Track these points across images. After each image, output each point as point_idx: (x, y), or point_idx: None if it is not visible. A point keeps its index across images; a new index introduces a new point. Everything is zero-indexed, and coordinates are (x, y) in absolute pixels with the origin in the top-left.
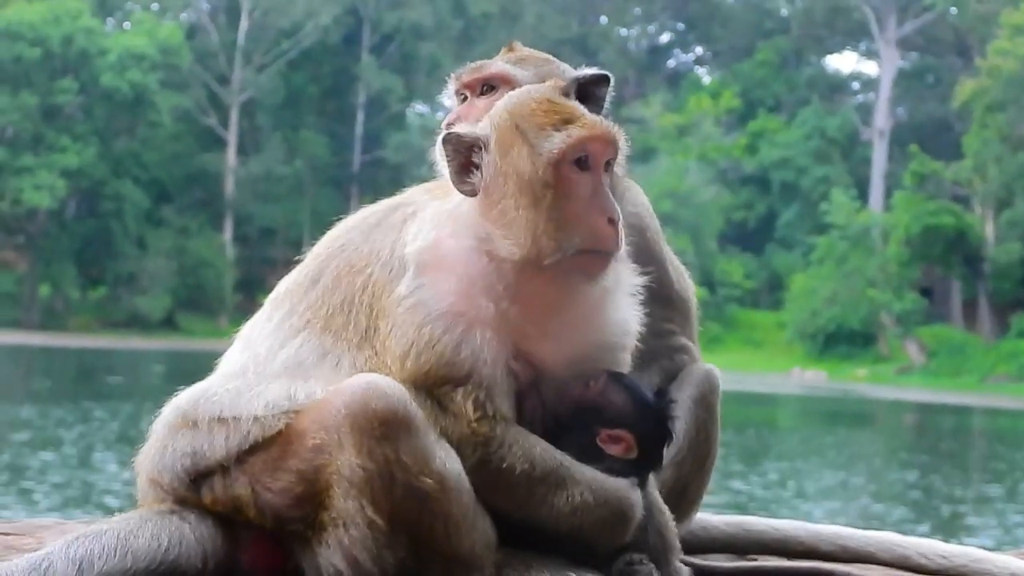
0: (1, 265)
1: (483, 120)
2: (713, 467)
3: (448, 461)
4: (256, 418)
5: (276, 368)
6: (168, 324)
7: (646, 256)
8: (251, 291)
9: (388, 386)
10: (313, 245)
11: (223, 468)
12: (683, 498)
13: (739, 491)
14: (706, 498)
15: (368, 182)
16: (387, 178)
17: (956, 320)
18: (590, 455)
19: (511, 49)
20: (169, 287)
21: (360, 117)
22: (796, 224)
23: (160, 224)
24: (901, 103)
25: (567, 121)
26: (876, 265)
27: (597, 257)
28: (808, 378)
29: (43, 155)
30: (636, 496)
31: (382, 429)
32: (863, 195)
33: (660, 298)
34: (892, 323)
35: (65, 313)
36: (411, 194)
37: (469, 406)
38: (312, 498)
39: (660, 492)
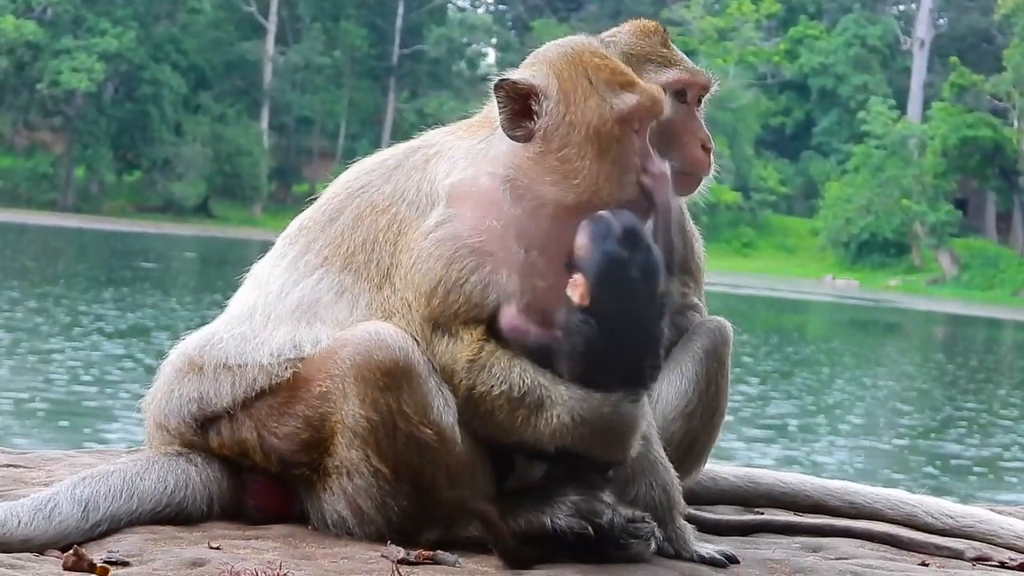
0: (38, 146)
1: (531, 68)
2: (722, 421)
3: (444, 411)
4: (262, 366)
5: (288, 307)
6: (202, 211)
7: (679, 229)
8: (286, 181)
9: (391, 335)
10: (349, 137)
11: (229, 414)
12: (691, 451)
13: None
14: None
15: (407, 75)
16: (425, 72)
17: (990, 233)
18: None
19: None
20: (204, 174)
21: (400, 10)
22: (833, 131)
23: (197, 111)
24: (943, 13)
25: (632, 83)
26: (912, 175)
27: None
28: (840, 286)
29: (82, 38)
30: (627, 408)
31: (385, 379)
32: (901, 105)
33: (684, 267)
34: (926, 234)
35: (100, 196)
36: (430, 136)
37: (477, 335)
38: (318, 444)
39: (668, 446)
